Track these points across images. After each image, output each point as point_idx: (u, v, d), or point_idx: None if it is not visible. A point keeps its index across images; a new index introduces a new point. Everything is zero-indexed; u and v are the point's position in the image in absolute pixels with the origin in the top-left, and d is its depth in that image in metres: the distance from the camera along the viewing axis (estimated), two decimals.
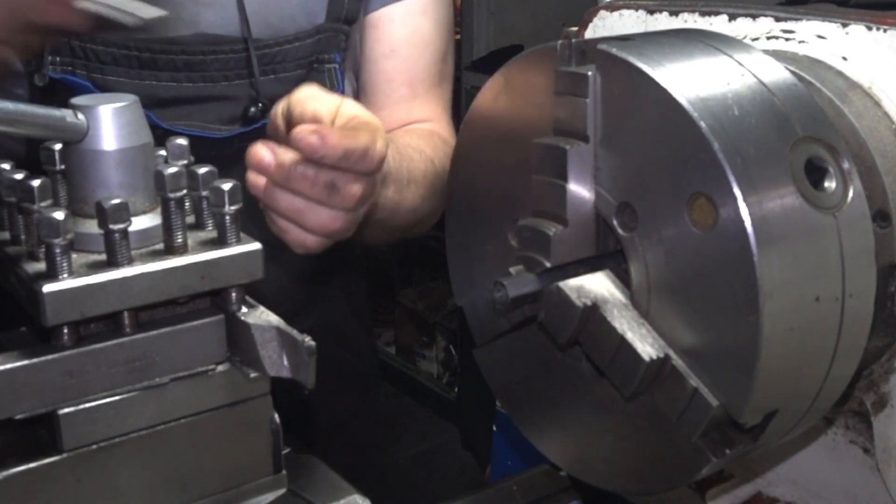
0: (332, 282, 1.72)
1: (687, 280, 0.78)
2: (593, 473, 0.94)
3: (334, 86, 1.54)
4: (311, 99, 1.11)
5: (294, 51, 1.50)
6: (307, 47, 1.51)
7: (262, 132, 1.44)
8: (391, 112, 1.59)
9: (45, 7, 1.05)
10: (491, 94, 0.94)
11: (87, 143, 0.87)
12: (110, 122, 0.87)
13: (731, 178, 0.73)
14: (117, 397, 0.87)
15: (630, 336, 0.80)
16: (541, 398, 0.96)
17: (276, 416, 0.95)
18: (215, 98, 1.45)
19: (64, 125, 0.85)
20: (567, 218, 0.84)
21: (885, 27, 0.93)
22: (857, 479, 0.98)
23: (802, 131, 0.78)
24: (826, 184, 0.79)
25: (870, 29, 0.94)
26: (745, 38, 1.01)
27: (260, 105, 1.44)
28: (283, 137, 1.10)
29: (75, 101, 0.87)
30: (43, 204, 0.85)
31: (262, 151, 1.05)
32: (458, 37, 3.52)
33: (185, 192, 0.89)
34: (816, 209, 0.76)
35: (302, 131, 1.03)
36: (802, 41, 0.98)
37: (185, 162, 0.95)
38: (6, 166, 0.91)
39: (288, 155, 1.05)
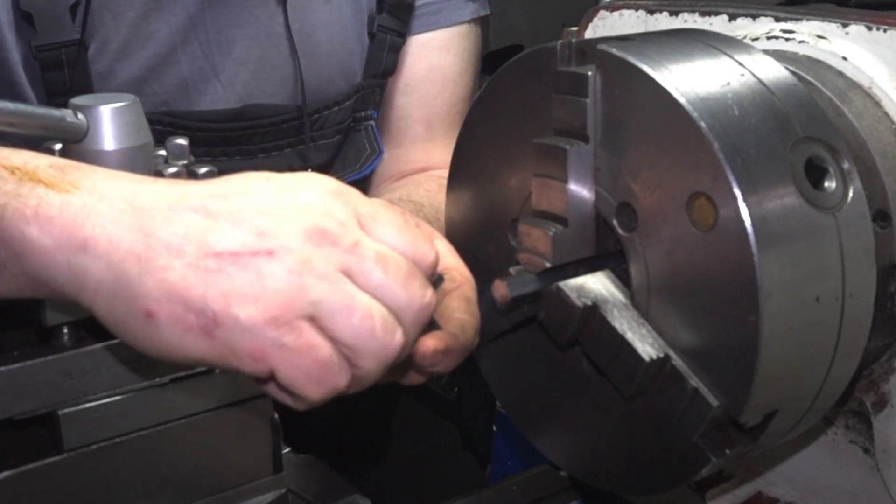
0: None
1: (687, 280, 0.78)
2: (593, 473, 0.94)
3: (373, 145, 1.47)
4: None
5: (334, 116, 1.43)
6: (346, 110, 1.43)
7: None
8: (408, 151, 1.52)
9: None
10: (491, 94, 0.94)
11: (87, 143, 0.86)
12: (110, 122, 0.86)
13: (731, 178, 0.73)
14: (117, 397, 0.87)
15: (630, 336, 0.80)
16: (541, 398, 0.96)
17: (276, 416, 0.95)
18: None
19: (64, 125, 0.85)
20: (567, 218, 0.84)
21: (885, 27, 0.93)
22: (857, 479, 0.98)
23: (802, 131, 0.78)
24: (826, 184, 0.79)
25: (870, 29, 0.94)
26: (745, 38, 1.00)
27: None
28: None
29: (75, 100, 0.87)
30: None
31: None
32: None
33: None
34: (816, 209, 0.76)
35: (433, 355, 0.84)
36: (802, 41, 0.98)
37: (185, 162, 0.95)
38: None
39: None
